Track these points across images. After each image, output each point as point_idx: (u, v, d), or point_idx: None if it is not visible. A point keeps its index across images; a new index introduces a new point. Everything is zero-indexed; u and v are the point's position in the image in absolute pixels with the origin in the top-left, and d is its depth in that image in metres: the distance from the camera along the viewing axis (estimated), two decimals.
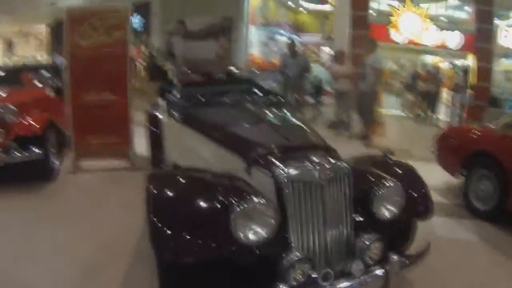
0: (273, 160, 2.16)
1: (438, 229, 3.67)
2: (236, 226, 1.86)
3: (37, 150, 4.16)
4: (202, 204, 1.99)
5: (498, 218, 3.77)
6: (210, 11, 13.39)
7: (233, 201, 1.91)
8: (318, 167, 2.06)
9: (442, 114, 10.40)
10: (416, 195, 2.54)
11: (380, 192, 2.22)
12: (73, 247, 3.08)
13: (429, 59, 12.24)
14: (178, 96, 3.55)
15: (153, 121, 4.28)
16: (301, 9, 17.01)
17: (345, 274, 2.06)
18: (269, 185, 2.08)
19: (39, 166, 4.29)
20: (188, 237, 1.87)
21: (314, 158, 2.11)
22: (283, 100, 3.80)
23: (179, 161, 3.29)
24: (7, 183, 4.34)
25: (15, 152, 4.07)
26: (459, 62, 11.46)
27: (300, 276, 1.91)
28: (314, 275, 1.96)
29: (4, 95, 4.57)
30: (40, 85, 5.57)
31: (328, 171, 2.07)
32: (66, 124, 5.00)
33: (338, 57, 7.84)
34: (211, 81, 5.15)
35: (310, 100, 9.90)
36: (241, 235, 1.86)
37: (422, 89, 11.19)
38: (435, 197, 4.47)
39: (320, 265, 2.03)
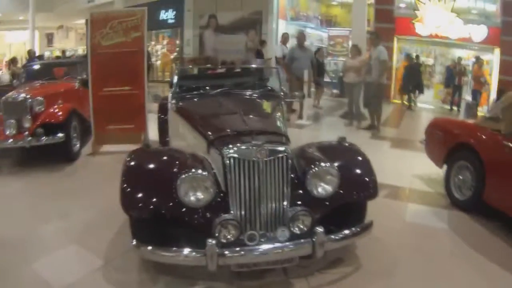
0: (224, 141, 2.64)
1: (413, 215, 3.89)
2: (180, 189, 2.40)
3: (59, 135, 4.86)
4: (159, 173, 2.62)
5: (475, 208, 3.88)
6: (240, 6, 13.86)
7: (181, 171, 2.44)
8: (256, 148, 2.47)
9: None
10: (360, 177, 2.83)
11: (312, 171, 2.58)
12: (79, 213, 3.76)
13: (456, 52, 11.93)
14: (177, 89, 4.09)
15: (162, 111, 4.90)
16: (333, 2, 17.01)
17: (271, 239, 2.43)
18: (219, 162, 2.57)
19: (61, 148, 5.03)
20: (145, 196, 2.48)
21: (257, 142, 2.53)
22: (274, 93, 4.22)
23: (173, 143, 3.88)
24: (34, 163, 5.10)
25: (41, 136, 4.79)
26: (485, 56, 11.10)
27: (230, 236, 2.34)
28: (241, 236, 2.37)
29: (35, 88, 5.32)
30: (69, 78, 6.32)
31: (265, 152, 2.47)
32: (89, 113, 5.65)
33: (352, 51, 7.97)
34: (216, 73, 5.70)
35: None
36: (184, 197, 2.40)
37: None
38: (421, 186, 4.71)
39: (249, 228, 2.43)
